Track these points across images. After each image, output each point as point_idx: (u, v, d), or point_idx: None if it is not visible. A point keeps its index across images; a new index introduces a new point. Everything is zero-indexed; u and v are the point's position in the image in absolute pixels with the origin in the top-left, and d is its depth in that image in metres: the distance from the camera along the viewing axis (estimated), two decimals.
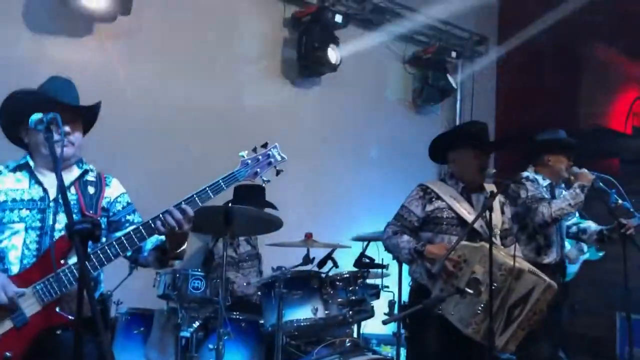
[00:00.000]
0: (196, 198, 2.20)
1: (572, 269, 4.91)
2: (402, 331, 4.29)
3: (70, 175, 2.33)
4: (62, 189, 1.95)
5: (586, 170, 3.91)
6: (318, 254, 4.25)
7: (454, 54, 6.46)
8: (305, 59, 5.45)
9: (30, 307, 2.12)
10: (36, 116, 2.14)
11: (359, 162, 5.95)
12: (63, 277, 2.12)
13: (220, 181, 2.23)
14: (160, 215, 2.17)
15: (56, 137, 2.09)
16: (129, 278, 3.90)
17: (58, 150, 2.08)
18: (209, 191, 2.21)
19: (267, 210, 4.47)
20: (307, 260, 4.39)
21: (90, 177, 2.39)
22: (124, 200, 2.44)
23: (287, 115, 5.56)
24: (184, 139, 4.77)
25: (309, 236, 4.13)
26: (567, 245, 4.40)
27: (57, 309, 2.14)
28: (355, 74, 5.86)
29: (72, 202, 2.24)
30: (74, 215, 2.10)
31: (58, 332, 2.16)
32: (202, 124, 4.94)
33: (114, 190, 2.43)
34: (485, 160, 3.30)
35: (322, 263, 4.20)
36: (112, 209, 2.41)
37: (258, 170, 2.33)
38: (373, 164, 6.03)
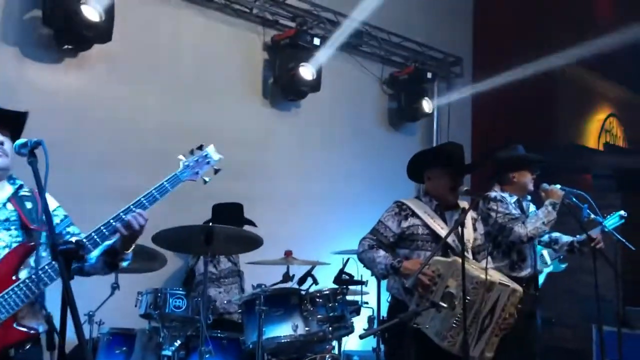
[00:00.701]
0: (143, 200, 2.30)
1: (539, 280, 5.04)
2: (382, 346, 4.36)
3: (4, 191, 2.29)
4: (47, 212, 2.01)
5: (555, 187, 4.01)
6: (298, 271, 4.33)
7: (429, 75, 6.62)
8: (284, 82, 5.57)
9: None
10: (20, 141, 2.16)
11: (337, 180, 6.06)
12: (18, 291, 2.11)
13: (165, 183, 2.34)
14: (122, 215, 2.23)
15: None
16: (111, 298, 3.95)
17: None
18: (155, 193, 2.30)
19: (247, 227, 4.53)
20: (287, 277, 4.46)
21: (25, 191, 2.33)
22: (61, 213, 2.39)
23: (267, 136, 5.67)
24: (163, 162, 4.80)
25: (288, 254, 4.20)
26: (544, 252, 4.52)
27: (15, 325, 2.12)
28: (334, 95, 5.99)
29: (12, 218, 2.23)
30: (16, 231, 2.20)
31: (11, 353, 2.12)
32: (182, 147, 4.97)
33: (51, 203, 2.35)
34: (457, 180, 3.40)
35: (302, 280, 4.27)
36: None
37: (198, 170, 2.44)
38: (351, 182, 6.14)
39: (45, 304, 2.25)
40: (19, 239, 2.23)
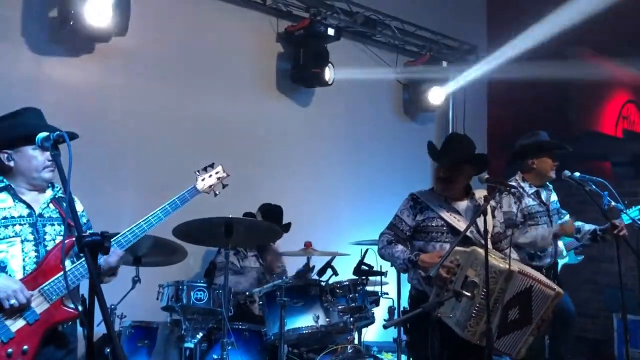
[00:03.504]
0: (168, 207, 2.74)
1: None
2: (403, 337, 4.35)
3: (46, 194, 2.65)
4: (71, 205, 2.14)
5: (569, 226, 4.13)
6: (318, 262, 4.33)
7: (444, 64, 6.57)
8: (299, 73, 5.56)
9: (39, 305, 2.43)
10: (43, 134, 2.28)
11: (354, 170, 6.04)
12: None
13: (186, 193, 2.81)
14: (150, 219, 2.65)
15: (47, 163, 2.52)
16: (132, 292, 3.96)
17: (50, 174, 2.54)
18: (177, 201, 2.76)
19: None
20: (307, 268, 4.47)
21: (61, 194, 2.67)
22: (85, 216, 2.77)
23: (282, 127, 5.66)
24: (180, 155, 4.85)
25: (308, 245, 4.20)
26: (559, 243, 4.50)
27: (62, 306, 2.47)
28: (348, 85, 5.96)
29: (54, 216, 2.61)
30: (61, 227, 2.57)
31: (59, 327, 2.50)
32: (198, 139, 5.03)
33: (77, 207, 2.71)
34: (448, 172, 3.41)
35: (322, 271, 4.27)
36: None
37: (211, 184, 2.94)
38: (368, 172, 6.12)
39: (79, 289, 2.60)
40: (62, 233, 2.57)
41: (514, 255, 3.24)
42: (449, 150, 3.47)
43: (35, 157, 2.53)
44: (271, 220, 4.42)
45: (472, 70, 6.82)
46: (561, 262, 5.00)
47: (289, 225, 4.74)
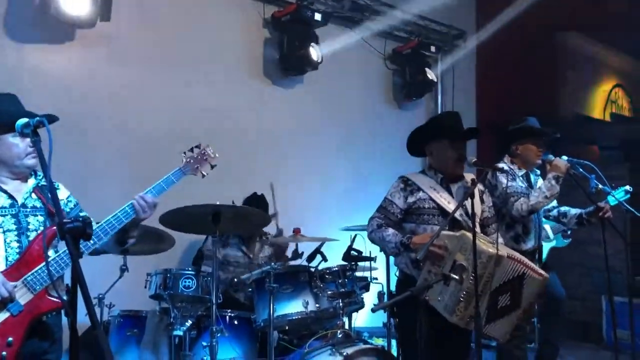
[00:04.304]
0: (153, 191, 2.63)
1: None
2: (392, 321, 4.36)
3: (29, 183, 2.60)
4: (52, 191, 2.07)
5: (560, 160, 3.94)
6: (307, 248, 4.31)
7: (433, 49, 6.55)
8: (286, 58, 5.51)
9: (23, 296, 2.40)
10: (22, 121, 2.25)
11: (343, 156, 6.03)
12: (50, 268, 2.40)
13: (171, 176, 2.70)
14: (134, 202, 2.56)
15: (29, 149, 2.46)
16: (120, 281, 3.95)
17: (32, 161, 2.48)
18: (163, 185, 2.66)
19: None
20: (296, 255, 4.46)
21: (43, 182, 2.61)
22: (73, 200, 2.71)
23: (270, 114, 5.62)
24: (166, 143, 4.81)
25: (297, 231, 4.19)
26: (546, 227, 4.50)
27: (47, 296, 2.44)
28: (337, 71, 5.93)
29: (38, 205, 2.56)
30: (42, 217, 2.52)
31: (44, 318, 2.47)
32: (185, 126, 4.98)
33: (62, 193, 2.69)
34: (461, 149, 3.35)
35: (311, 257, 4.26)
36: (64, 210, 2.66)
37: (198, 166, 2.81)
38: (357, 158, 6.11)
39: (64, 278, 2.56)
40: (46, 223, 2.53)
41: (500, 240, 3.23)
42: (457, 126, 3.40)
43: (16, 144, 2.48)
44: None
45: (463, 61, 6.83)
46: (549, 246, 5.03)
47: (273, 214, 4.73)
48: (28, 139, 2.36)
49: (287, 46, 5.45)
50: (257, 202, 4.81)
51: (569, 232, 5.04)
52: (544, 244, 4.62)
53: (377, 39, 6.44)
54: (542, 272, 3.18)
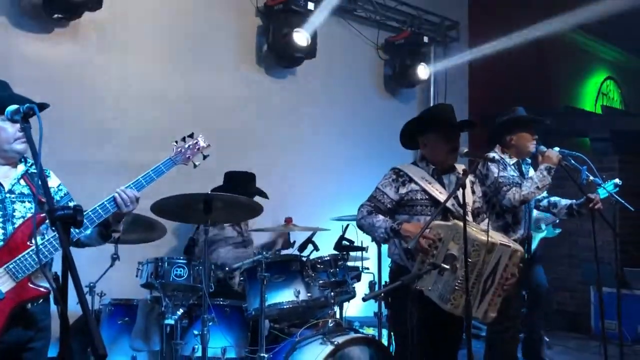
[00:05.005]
0: (142, 180, 2.60)
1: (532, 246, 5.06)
2: (384, 311, 4.38)
3: (18, 169, 2.56)
4: (42, 179, 2.07)
5: (552, 151, 3.96)
6: (298, 237, 4.32)
7: (426, 39, 6.53)
8: (278, 48, 5.48)
9: (4, 284, 2.36)
10: (12, 107, 2.24)
11: (334, 146, 6.02)
12: (34, 256, 2.37)
13: (161, 165, 2.66)
14: (115, 195, 2.51)
15: (18, 134, 2.42)
16: (111, 269, 3.94)
17: (21, 146, 2.44)
18: (152, 174, 2.62)
19: (257, 198, 4.49)
20: (287, 244, 4.46)
21: (33, 169, 2.58)
22: (64, 189, 2.68)
23: (262, 103, 5.61)
24: (158, 132, 4.78)
25: (288, 221, 4.19)
26: (536, 214, 4.51)
27: (29, 284, 2.40)
28: (329, 60, 5.91)
29: (26, 192, 2.52)
30: (32, 204, 2.48)
31: (28, 306, 2.43)
32: (177, 114, 4.96)
33: (53, 181, 2.64)
34: (455, 141, 3.36)
35: (302, 247, 4.27)
36: (55, 198, 2.61)
37: (190, 155, 2.76)
38: (349, 148, 6.10)
39: (52, 267, 2.54)
40: (33, 210, 2.48)
41: (491, 227, 3.24)
42: (452, 118, 3.40)
43: (5, 128, 2.45)
44: (237, 187, 4.35)
45: (455, 52, 6.82)
46: (540, 236, 5.07)
47: (262, 192, 4.70)
48: (18, 124, 2.33)
49: (277, 35, 5.42)
50: (240, 179, 4.68)
51: (559, 222, 5.08)
52: (534, 234, 4.66)
53: (370, 29, 6.42)
54: (514, 244, 3.16)
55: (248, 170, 4.82)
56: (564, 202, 4.30)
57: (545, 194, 4.29)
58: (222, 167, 4.72)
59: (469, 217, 3.31)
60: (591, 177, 4.20)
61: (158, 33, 4.99)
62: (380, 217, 3.29)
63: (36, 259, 2.34)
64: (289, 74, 5.81)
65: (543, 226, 4.97)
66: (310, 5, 5.45)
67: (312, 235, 4.32)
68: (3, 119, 2.39)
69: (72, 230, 2.17)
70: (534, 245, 4.77)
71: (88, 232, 2.53)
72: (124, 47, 4.79)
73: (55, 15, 4.35)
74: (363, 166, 5.88)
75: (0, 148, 2.48)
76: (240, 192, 4.07)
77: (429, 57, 6.78)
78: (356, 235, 4.30)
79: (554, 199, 4.34)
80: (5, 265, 2.36)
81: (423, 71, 6.49)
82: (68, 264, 1.75)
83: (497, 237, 3.15)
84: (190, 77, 5.11)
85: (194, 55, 5.17)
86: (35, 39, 4.40)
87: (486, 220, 3.32)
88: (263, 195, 4.67)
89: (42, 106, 2.32)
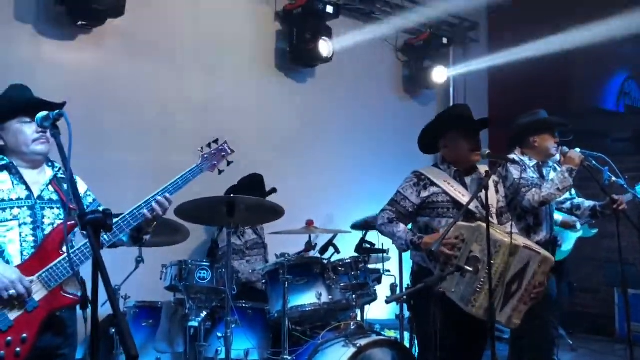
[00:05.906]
0: (170, 188, 2.58)
1: (567, 247, 5.00)
2: (405, 313, 4.37)
3: (46, 174, 2.55)
4: (72, 183, 2.09)
5: (574, 152, 3.92)
6: (319, 240, 4.33)
7: (445, 41, 6.52)
8: (298, 51, 5.52)
9: (37, 292, 2.36)
10: (42, 114, 2.26)
11: (355, 148, 6.03)
12: (65, 264, 2.38)
13: (188, 173, 2.63)
14: (150, 202, 2.51)
15: (36, 135, 2.42)
16: (135, 272, 3.99)
17: (41, 147, 2.44)
18: (179, 182, 2.60)
19: (270, 198, 4.51)
20: (309, 247, 4.48)
21: (61, 174, 2.58)
22: (92, 195, 2.68)
23: (283, 107, 5.64)
24: (180, 135, 4.84)
25: (310, 223, 4.20)
26: (559, 216, 4.45)
27: (61, 292, 2.41)
28: (348, 63, 5.93)
29: (55, 198, 2.51)
30: (60, 211, 2.48)
31: (58, 313, 2.43)
32: (198, 119, 5.01)
33: (80, 187, 2.63)
34: (475, 140, 3.35)
35: (324, 249, 4.28)
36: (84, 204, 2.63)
37: (215, 162, 2.75)
38: (369, 150, 6.11)
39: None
40: (62, 217, 2.48)
41: (515, 229, 3.22)
42: (470, 117, 3.39)
43: (22, 131, 2.43)
44: (250, 191, 4.39)
45: (475, 53, 6.78)
46: (576, 236, 5.00)
47: (272, 190, 4.72)
48: (35, 125, 2.32)
49: (297, 39, 5.46)
50: (251, 182, 4.71)
51: (594, 223, 4.99)
52: (570, 234, 4.60)
53: (389, 31, 6.42)
54: (543, 251, 3.13)
55: (266, 174, 4.85)
56: (587, 203, 4.25)
57: (567, 195, 4.25)
58: (242, 171, 4.75)
59: (494, 219, 3.29)
60: (613, 178, 4.15)
61: (178, 38, 5.04)
62: (402, 227, 3.28)
63: (68, 268, 2.35)
64: (308, 77, 5.83)
65: (579, 226, 4.90)
66: (329, 9, 5.47)
67: (333, 237, 4.33)
68: (19, 121, 2.40)
69: (104, 235, 2.23)
70: (570, 246, 4.72)
71: (121, 235, 2.52)
72: (145, 52, 4.85)
73: (79, 23, 4.43)
74: (384, 167, 5.88)
75: (20, 151, 2.46)
76: (257, 194, 4.10)
77: (447, 58, 6.76)
78: (377, 238, 4.31)
79: (577, 200, 4.30)
80: (38, 274, 2.36)
81: (442, 72, 6.47)
82: (99, 268, 1.77)
83: (521, 240, 3.13)
84: (211, 82, 5.16)
85: (214, 59, 5.22)
86: (59, 46, 4.48)
87: (510, 222, 3.30)
88: (273, 191, 4.69)
89: (59, 107, 2.32)
